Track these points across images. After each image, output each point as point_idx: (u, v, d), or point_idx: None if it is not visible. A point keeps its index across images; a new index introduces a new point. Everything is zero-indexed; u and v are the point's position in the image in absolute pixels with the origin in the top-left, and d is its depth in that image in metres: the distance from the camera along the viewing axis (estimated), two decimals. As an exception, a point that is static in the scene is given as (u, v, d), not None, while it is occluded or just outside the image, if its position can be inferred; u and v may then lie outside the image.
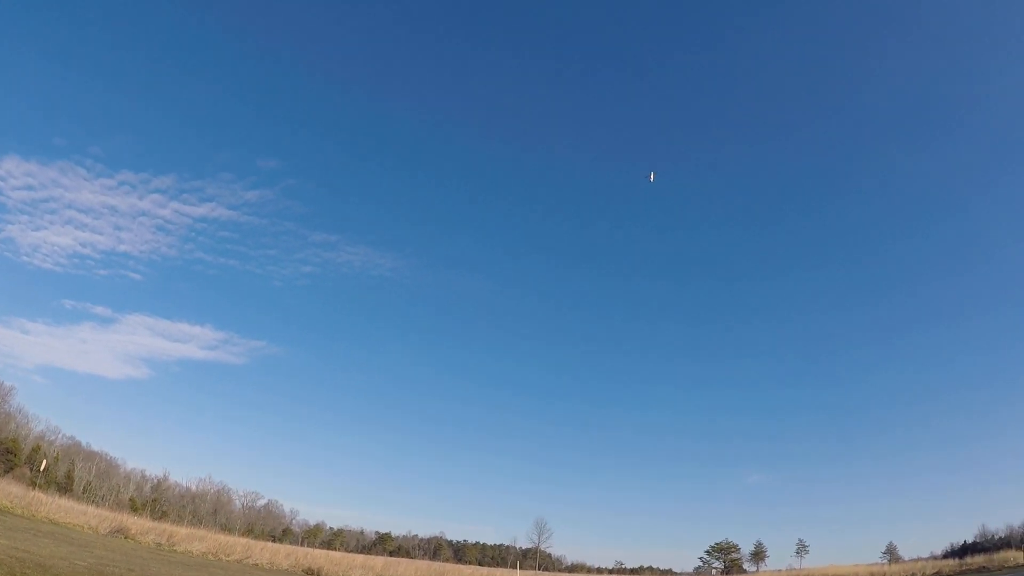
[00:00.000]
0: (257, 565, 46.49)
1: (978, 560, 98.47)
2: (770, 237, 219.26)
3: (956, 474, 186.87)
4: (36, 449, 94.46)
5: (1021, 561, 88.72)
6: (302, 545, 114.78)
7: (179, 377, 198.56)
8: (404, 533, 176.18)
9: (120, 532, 42.92)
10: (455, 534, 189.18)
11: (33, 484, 62.69)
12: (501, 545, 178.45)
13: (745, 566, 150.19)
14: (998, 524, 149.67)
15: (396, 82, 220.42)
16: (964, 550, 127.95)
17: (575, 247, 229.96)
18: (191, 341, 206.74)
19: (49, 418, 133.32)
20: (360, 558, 67.50)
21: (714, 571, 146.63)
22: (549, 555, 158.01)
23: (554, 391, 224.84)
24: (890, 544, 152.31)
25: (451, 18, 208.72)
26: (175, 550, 42.96)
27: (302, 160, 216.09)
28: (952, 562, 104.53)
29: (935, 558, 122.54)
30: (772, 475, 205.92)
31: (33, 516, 39.46)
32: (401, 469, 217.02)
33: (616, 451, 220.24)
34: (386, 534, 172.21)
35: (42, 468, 77.79)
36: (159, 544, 43.27)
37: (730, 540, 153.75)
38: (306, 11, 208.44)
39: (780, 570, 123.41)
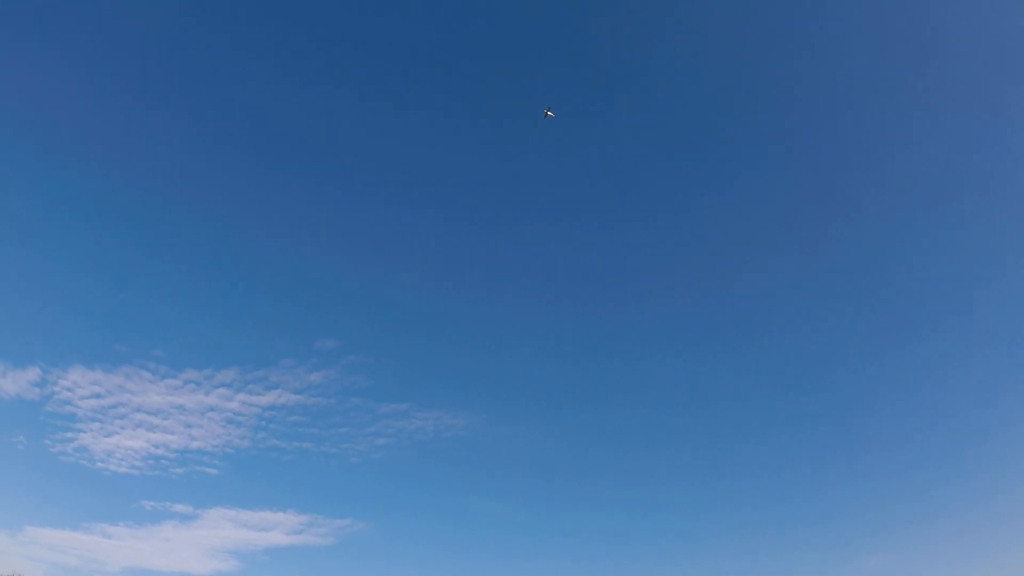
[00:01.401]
0: None
1: None
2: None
3: None
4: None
5: None
6: None
7: (267, 565, 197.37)
8: None
9: None
10: None
11: None
12: None
13: None
14: None
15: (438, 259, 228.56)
16: None
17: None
18: (275, 528, 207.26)
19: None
20: None
21: None
22: None
23: (646, 518, 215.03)
24: None
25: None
26: None
27: (358, 337, 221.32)
28: None
29: None
30: (891, 556, 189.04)
31: None
32: None
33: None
34: None
35: None
36: None
37: None
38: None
39: None
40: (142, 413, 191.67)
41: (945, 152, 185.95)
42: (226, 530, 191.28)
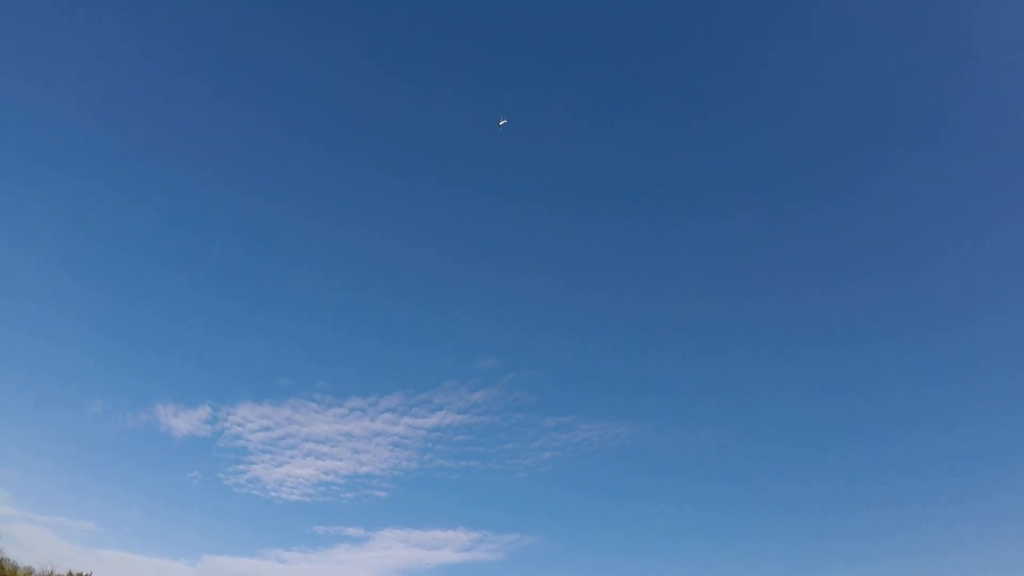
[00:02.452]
0: None
1: None
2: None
3: None
4: None
5: None
6: None
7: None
8: None
9: None
10: None
11: None
12: None
13: None
14: None
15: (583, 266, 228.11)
16: None
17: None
18: (446, 546, 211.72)
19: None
20: None
21: None
22: None
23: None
24: None
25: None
26: None
27: (516, 353, 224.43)
28: None
29: None
30: None
31: None
32: None
33: None
34: None
35: None
36: None
37: None
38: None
39: None
40: (310, 443, 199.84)
41: None
42: (397, 550, 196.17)
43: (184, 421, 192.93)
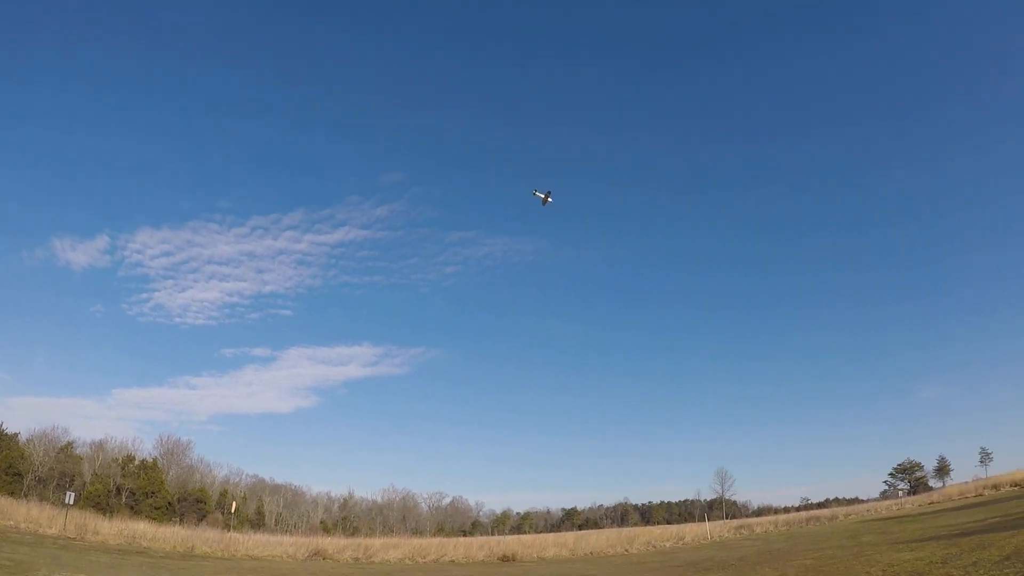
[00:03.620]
0: (453, 561, 46.12)
1: None
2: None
3: None
4: (224, 493, 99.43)
5: None
6: (492, 534, 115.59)
7: (346, 398, 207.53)
8: (589, 505, 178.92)
9: (318, 555, 42.76)
10: (638, 497, 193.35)
11: (227, 526, 64.90)
12: (686, 500, 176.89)
13: (931, 483, 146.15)
14: None
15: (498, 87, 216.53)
16: None
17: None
18: (351, 362, 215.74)
19: (230, 462, 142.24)
20: (551, 537, 66.91)
21: (900, 493, 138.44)
22: (734, 502, 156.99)
23: (708, 337, 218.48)
24: None
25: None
26: (373, 561, 42.99)
27: (423, 167, 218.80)
28: None
29: None
30: (948, 388, 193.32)
31: (233, 556, 39.69)
32: (576, 444, 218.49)
33: (786, 391, 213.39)
34: (572, 509, 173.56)
35: (232, 510, 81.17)
36: (356, 559, 43.12)
37: (912, 459, 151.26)
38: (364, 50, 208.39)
39: (967, 482, 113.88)
40: (213, 265, 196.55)
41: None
42: (304, 368, 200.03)
43: (82, 254, 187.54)
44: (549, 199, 73.00)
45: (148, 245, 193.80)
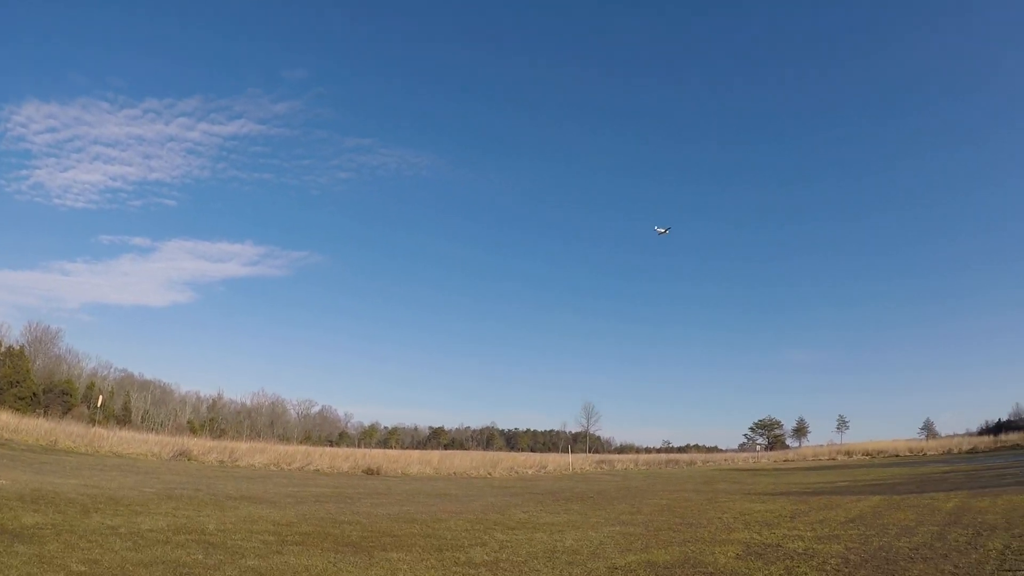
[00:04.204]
0: (318, 471, 47.14)
1: (1012, 438, 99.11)
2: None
3: (992, 351, 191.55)
4: (91, 386, 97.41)
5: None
6: (359, 447, 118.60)
7: (224, 297, 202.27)
8: (457, 426, 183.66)
9: (183, 455, 43.98)
10: (506, 423, 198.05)
11: (92, 421, 64.52)
12: (551, 431, 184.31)
13: (788, 442, 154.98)
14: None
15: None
16: (999, 428, 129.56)
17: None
18: (232, 260, 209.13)
19: (100, 354, 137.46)
20: (416, 454, 69.02)
21: (758, 447, 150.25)
22: (598, 438, 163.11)
23: (593, 274, 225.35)
24: (927, 420, 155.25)
25: None
26: (238, 465, 43.88)
27: (329, 67, 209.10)
28: (987, 439, 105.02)
29: (971, 434, 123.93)
30: (813, 353, 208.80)
31: (97, 452, 40.44)
32: (450, 364, 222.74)
33: (660, 334, 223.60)
34: (439, 428, 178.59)
35: (99, 404, 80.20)
36: (222, 462, 44.17)
37: (773, 417, 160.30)
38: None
39: (822, 445, 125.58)
40: (99, 146, 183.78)
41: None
42: (184, 261, 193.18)
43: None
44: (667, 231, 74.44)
45: (33, 119, 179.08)
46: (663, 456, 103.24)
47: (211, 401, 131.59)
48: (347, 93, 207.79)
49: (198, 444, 50.01)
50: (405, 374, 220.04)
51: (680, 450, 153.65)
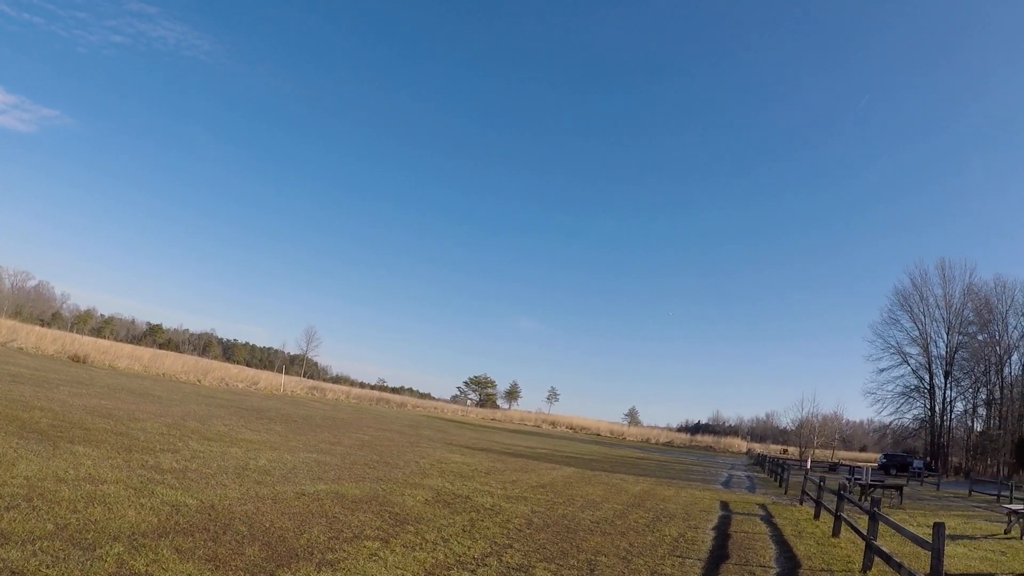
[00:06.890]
0: (22, 349, 44.10)
1: (707, 439, 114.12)
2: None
3: (702, 357, 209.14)
4: None
5: (743, 449, 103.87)
6: (71, 331, 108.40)
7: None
8: (175, 327, 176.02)
9: None
10: (226, 332, 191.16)
11: None
12: (270, 348, 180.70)
13: (499, 402, 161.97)
14: (730, 414, 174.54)
15: None
16: (696, 428, 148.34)
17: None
18: None
19: None
20: (128, 348, 66.07)
21: (469, 402, 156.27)
22: (316, 363, 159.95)
23: (332, 199, 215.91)
24: (632, 408, 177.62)
25: None
26: None
27: None
28: (684, 436, 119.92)
29: (670, 429, 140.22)
30: (539, 325, 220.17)
31: None
32: (175, 260, 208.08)
33: (395, 264, 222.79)
34: (157, 326, 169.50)
35: None
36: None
37: (488, 376, 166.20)
38: None
39: (531, 412, 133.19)
40: None
41: None
42: None
43: None
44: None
45: None
46: (376, 393, 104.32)
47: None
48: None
49: None
50: (129, 260, 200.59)
51: (394, 390, 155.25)
